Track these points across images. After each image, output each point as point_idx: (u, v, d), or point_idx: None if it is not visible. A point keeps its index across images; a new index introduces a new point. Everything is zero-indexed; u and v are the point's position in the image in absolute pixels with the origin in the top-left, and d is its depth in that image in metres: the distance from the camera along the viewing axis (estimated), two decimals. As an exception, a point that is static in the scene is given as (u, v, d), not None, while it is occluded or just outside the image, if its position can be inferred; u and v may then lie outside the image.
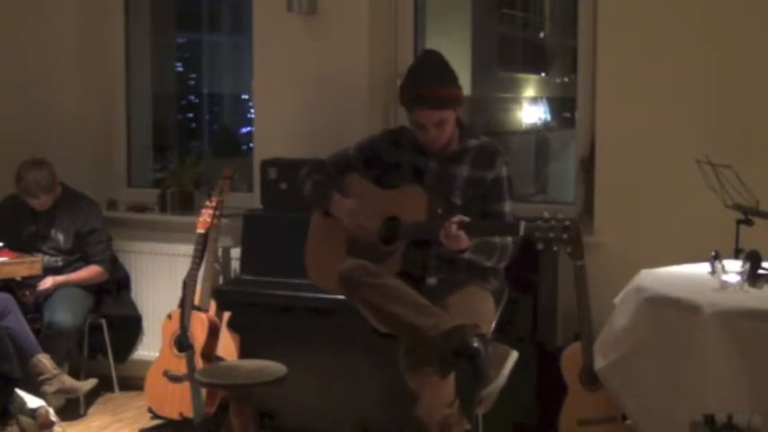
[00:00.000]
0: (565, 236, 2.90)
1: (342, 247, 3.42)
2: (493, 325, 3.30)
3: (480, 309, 3.25)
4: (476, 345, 2.88)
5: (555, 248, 2.95)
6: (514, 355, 3.01)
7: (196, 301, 4.25)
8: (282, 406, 3.97)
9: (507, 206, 3.37)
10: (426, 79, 3.30)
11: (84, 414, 4.49)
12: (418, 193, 3.30)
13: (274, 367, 3.43)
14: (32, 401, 4.02)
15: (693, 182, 3.37)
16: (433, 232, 3.14)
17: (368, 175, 3.49)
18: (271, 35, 4.54)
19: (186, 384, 4.07)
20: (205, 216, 4.35)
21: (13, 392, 4.04)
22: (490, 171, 3.36)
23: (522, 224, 2.98)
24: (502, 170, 3.37)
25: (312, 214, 3.58)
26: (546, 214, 2.95)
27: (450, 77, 3.33)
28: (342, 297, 3.37)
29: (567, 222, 2.91)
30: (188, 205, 4.84)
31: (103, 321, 4.66)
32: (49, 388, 4.20)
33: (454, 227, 3.06)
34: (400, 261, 3.27)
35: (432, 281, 3.34)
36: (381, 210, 3.37)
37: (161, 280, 4.75)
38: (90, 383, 4.40)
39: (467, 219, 3.10)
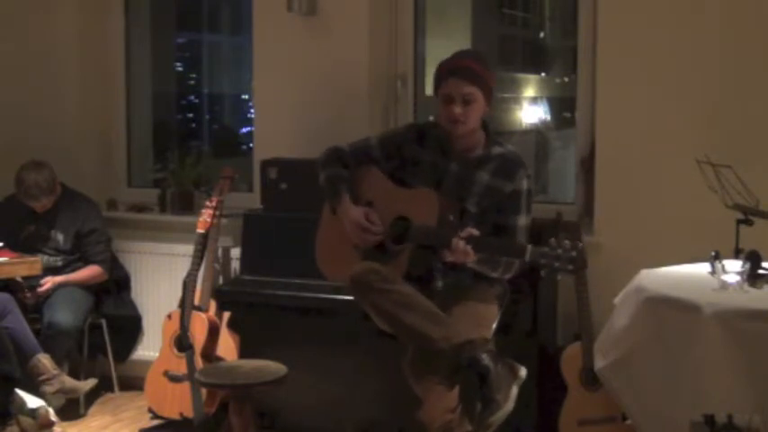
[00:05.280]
0: (570, 266, 2.88)
1: (352, 240, 3.37)
2: (494, 326, 3.30)
3: (485, 314, 3.24)
4: (486, 362, 2.89)
5: (559, 277, 2.93)
6: (523, 373, 3.00)
7: (196, 301, 4.25)
8: (282, 406, 3.97)
9: (522, 220, 3.29)
10: (461, 56, 3.33)
11: (85, 414, 4.49)
12: (431, 197, 3.24)
13: (274, 367, 3.43)
14: (32, 401, 4.02)
15: (693, 182, 3.37)
16: (441, 242, 3.09)
17: (386, 167, 3.42)
18: (271, 35, 4.54)
19: (186, 384, 4.07)
20: (205, 216, 4.35)
21: (13, 392, 4.03)
22: (510, 183, 3.28)
23: (529, 249, 2.95)
24: (522, 183, 3.29)
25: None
26: (554, 241, 2.91)
27: (485, 62, 3.34)
28: (342, 297, 3.37)
29: (574, 253, 2.87)
30: (188, 205, 4.84)
31: (103, 321, 4.66)
32: (49, 388, 4.20)
33: (462, 243, 3.01)
34: (407, 262, 3.24)
35: (439, 284, 3.31)
36: (393, 208, 3.32)
37: (161, 280, 4.75)
38: (90, 383, 4.40)
39: (476, 232, 3.04)
